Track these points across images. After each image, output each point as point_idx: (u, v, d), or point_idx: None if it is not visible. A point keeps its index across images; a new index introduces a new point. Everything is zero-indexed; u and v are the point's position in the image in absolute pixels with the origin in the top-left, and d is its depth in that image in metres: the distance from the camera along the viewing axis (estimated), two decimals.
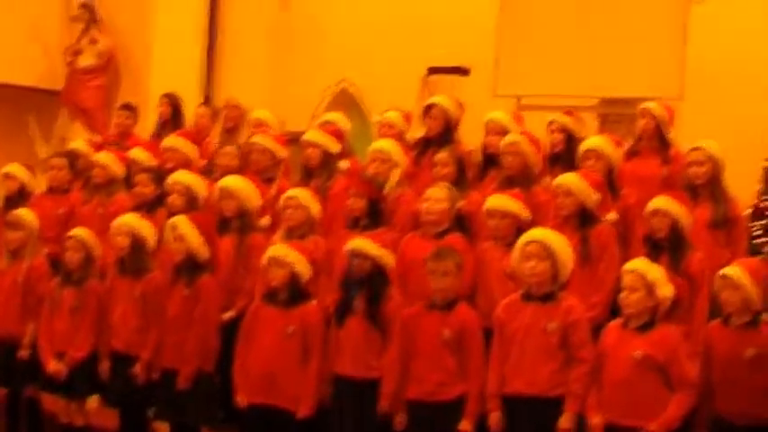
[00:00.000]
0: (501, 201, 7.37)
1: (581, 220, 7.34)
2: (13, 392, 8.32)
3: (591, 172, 7.67)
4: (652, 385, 6.24)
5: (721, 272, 6.45)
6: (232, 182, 8.12)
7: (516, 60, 11.57)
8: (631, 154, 8.52)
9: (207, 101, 12.46)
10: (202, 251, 7.37)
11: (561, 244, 6.61)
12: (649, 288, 6.26)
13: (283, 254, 7.12)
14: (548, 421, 6.37)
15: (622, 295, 6.34)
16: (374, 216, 7.70)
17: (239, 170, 8.74)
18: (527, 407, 6.44)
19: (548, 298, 6.51)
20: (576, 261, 6.83)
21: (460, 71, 12.44)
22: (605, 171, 7.90)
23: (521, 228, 7.13)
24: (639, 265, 6.39)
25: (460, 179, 8.08)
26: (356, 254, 7.02)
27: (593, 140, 8.25)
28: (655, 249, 7.06)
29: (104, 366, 7.75)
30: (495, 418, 6.51)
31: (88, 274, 7.91)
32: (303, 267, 7.10)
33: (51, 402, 8.06)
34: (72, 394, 7.89)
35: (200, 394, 7.35)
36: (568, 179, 7.45)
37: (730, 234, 7.66)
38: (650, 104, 8.61)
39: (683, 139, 8.71)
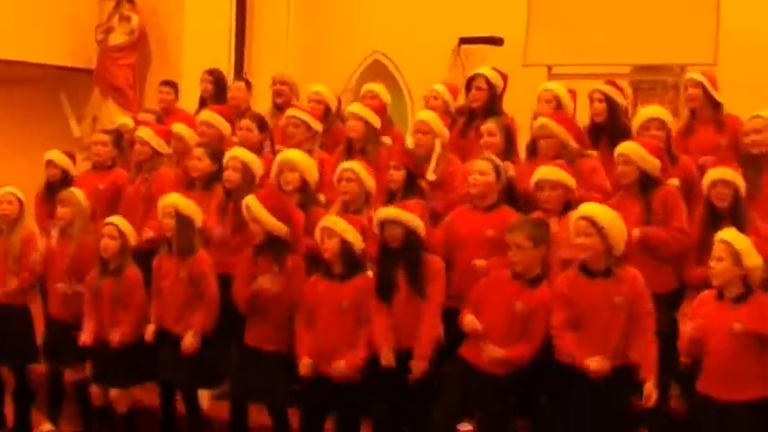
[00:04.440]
0: (550, 171, 7.23)
1: (642, 186, 7.26)
2: (58, 373, 8.41)
3: (649, 139, 7.57)
4: (753, 359, 6.17)
5: None
6: (293, 155, 7.98)
7: (547, 29, 11.52)
8: (687, 131, 8.41)
9: (239, 75, 12.42)
10: (280, 228, 7.24)
11: (610, 218, 6.49)
12: (736, 257, 6.17)
13: (332, 223, 7.03)
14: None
15: (710, 265, 6.28)
16: (410, 188, 7.63)
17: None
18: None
19: (608, 273, 6.43)
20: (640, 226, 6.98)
21: (494, 41, 12.35)
22: (666, 139, 7.83)
23: (569, 199, 7.10)
24: (727, 234, 6.29)
25: (508, 149, 8.01)
26: (387, 221, 6.93)
27: (655, 109, 8.11)
28: (715, 219, 7.03)
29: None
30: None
31: (125, 263, 7.87)
32: (353, 237, 6.99)
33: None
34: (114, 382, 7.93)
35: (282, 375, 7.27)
36: (627, 147, 7.31)
37: None
38: (693, 74, 8.49)
39: None
